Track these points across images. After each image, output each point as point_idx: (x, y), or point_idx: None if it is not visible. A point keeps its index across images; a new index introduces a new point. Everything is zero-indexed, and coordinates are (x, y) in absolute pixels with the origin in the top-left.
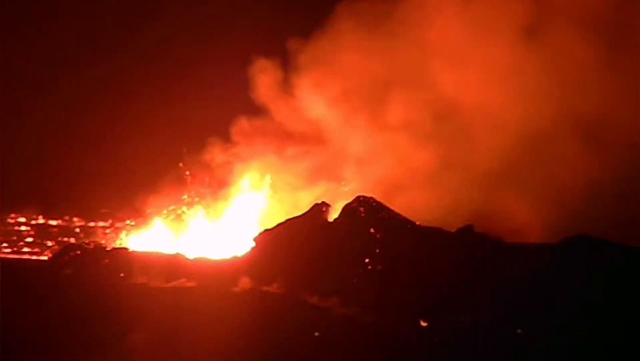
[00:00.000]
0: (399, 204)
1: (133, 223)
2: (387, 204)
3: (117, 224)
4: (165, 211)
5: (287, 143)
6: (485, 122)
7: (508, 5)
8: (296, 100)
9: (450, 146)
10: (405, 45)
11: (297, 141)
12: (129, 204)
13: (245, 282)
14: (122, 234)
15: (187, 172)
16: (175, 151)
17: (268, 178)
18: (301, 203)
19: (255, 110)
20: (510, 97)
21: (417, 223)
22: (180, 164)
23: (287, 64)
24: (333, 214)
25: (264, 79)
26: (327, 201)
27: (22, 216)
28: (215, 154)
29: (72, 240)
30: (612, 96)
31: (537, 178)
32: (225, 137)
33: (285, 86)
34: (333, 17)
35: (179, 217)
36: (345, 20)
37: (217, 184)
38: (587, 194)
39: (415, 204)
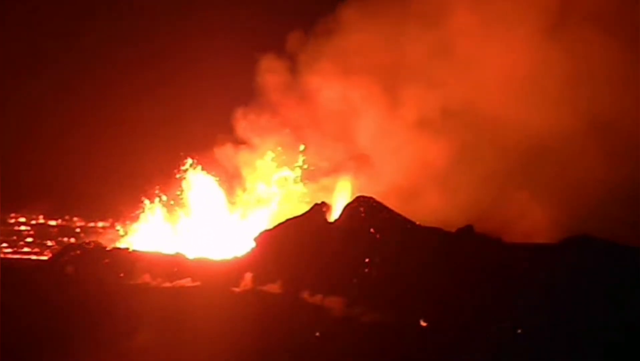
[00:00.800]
0: (411, 203)
1: (133, 222)
2: (388, 204)
3: (117, 224)
4: (164, 209)
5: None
6: (498, 122)
7: (526, 5)
8: (304, 96)
9: (463, 145)
10: (419, 42)
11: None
12: (129, 203)
13: (246, 282)
14: (123, 234)
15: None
16: (178, 148)
17: (302, 147)
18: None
19: (260, 105)
20: (524, 97)
21: (417, 223)
22: (176, 171)
23: (293, 60)
24: (333, 214)
25: (271, 75)
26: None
27: (22, 216)
28: (225, 149)
29: (72, 240)
30: (627, 98)
31: (549, 178)
32: (233, 133)
33: (293, 82)
34: (340, 10)
35: (180, 215)
36: (353, 14)
37: (229, 179)
38: (598, 195)
39: (427, 203)
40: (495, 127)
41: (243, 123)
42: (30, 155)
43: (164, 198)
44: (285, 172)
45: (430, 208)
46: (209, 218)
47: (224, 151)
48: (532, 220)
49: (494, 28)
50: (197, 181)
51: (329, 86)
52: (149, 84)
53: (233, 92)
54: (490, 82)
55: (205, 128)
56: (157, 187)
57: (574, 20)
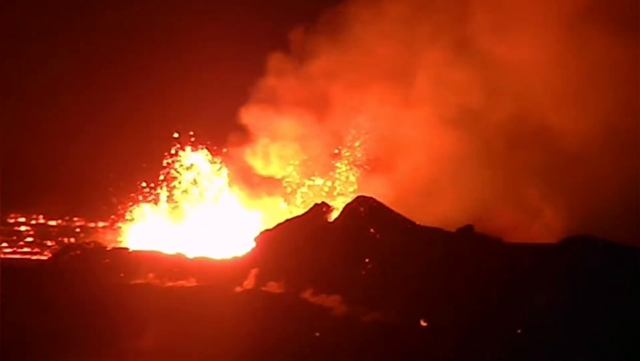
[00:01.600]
0: (421, 202)
1: (132, 221)
2: (398, 203)
3: (117, 224)
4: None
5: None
6: (513, 121)
7: (545, 3)
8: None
9: (476, 144)
10: (433, 38)
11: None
12: (129, 201)
13: (246, 282)
14: (122, 233)
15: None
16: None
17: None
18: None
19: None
20: (540, 96)
21: (417, 223)
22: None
23: (301, 58)
24: (334, 215)
25: (279, 74)
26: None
27: (22, 216)
28: (236, 147)
29: (72, 240)
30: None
31: (562, 179)
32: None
33: (300, 81)
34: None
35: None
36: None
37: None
38: (607, 196)
39: (438, 202)
40: (510, 127)
41: (252, 121)
42: (30, 155)
43: (165, 192)
44: (317, 180)
45: (440, 207)
46: (210, 213)
47: (239, 153)
48: (543, 221)
49: (511, 26)
50: (194, 162)
51: (341, 85)
52: (149, 80)
53: (236, 92)
54: (507, 81)
55: (210, 128)
56: (162, 174)
57: (592, 21)
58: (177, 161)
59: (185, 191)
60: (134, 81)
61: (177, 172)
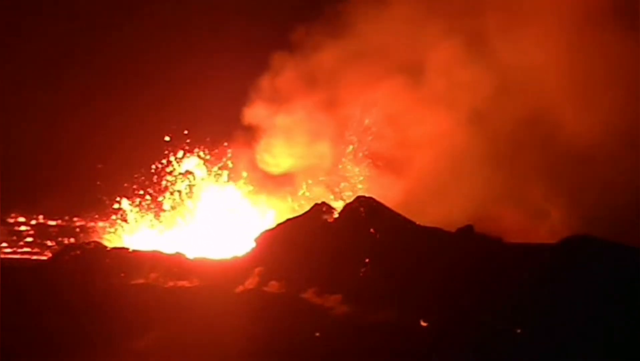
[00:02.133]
0: (428, 203)
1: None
2: (404, 205)
3: (117, 224)
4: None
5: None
6: (518, 120)
7: (557, 3)
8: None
9: (483, 141)
10: (442, 36)
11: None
12: (130, 200)
13: (247, 282)
14: (121, 232)
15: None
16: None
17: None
18: None
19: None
20: (548, 96)
21: (417, 223)
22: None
23: (301, 52)
24: (333, 214)
25: (282, 73)
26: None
27: (22, 216)
28: (240, 147)
29: (72, 240)
30: None
31: (569, 180)
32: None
33: (304, 74)
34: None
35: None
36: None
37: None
38: (618, 197)
39: (444, 202)
40: (518, 127)
41: (257, 120)
42: (30, 155)
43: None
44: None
45: (447, 206)
46: (212, 213)
47: (243, 152)
48: (549, 222)
49: (521, 26)
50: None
51: (348, 83)
52: (149, 79)
53: (238, 92)
54: (515, 81)
55: (211, 128)
56: (163, 174)
57: (603, 22)
58: (174, 164)
59: (187, 192)
60: (135, 82)
61: (177, 170)
